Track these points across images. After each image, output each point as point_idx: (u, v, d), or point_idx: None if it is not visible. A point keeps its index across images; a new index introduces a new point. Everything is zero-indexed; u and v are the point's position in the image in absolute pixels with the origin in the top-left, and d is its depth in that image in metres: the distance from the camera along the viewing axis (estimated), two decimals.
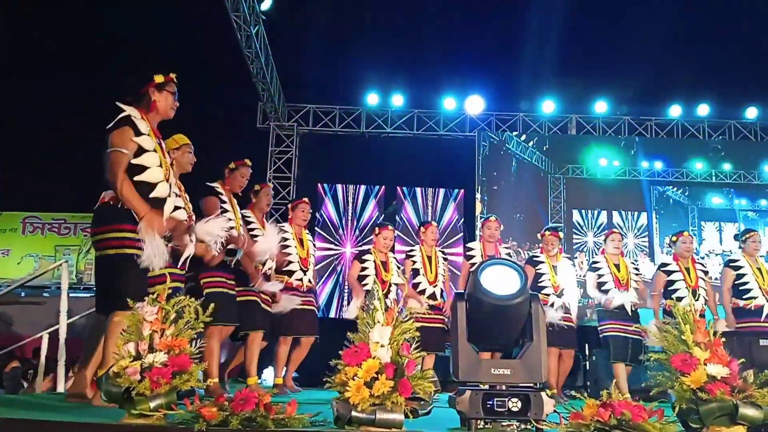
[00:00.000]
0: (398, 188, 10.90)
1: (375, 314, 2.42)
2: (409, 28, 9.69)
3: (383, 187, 10.91)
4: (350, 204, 10.80)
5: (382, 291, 5.15)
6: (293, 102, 11.04)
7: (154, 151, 3.18)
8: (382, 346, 2.33)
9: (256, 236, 4.65)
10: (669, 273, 5.53)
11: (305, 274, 5.20)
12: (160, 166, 3.20)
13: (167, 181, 3.23)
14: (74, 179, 10.23)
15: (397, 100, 10.89)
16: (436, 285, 5.61)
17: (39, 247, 11.41)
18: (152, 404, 2.15)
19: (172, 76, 3.33)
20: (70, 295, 4.87)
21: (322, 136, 11.19)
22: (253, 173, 4.69)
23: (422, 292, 5.58)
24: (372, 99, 10.91)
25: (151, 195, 3.13)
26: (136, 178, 3.10)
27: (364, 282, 5.43)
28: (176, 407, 2.15)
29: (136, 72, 3.33)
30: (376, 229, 5.77)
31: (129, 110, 3.16)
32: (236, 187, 4.54)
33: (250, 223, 4.72)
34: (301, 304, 5.07)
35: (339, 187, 10.87)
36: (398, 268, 5.71)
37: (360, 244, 10.41)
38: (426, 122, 11.07)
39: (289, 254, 5.13)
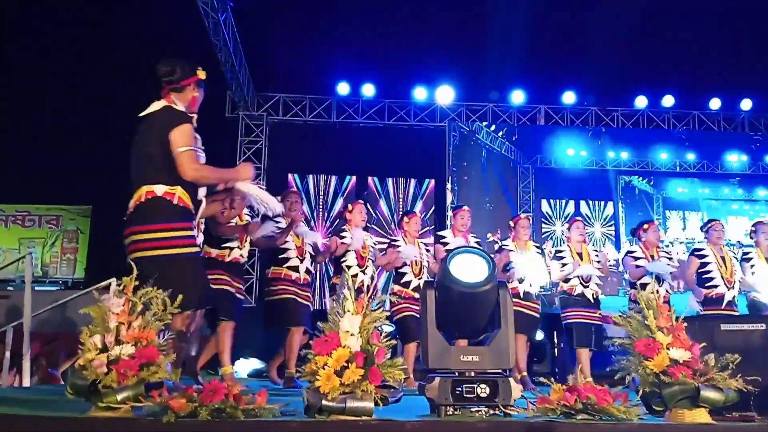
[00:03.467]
0: (369, 178, 10.89)
1: (345, 303, 2.43)
2: (379, 17, 9.63)
3: (354, 177, 10.89)
4: (321, 194, 10.76)
5: (361, 267, 5.20)
6: (263, 91, 10.92)
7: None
8: (352, 335, 2.34)
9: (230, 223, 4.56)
10: (636, 258, 5.68)
11: (301, 263, 5.10)
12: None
13: None
14: (38, 171, 10.02)
15: (368, 89, 10.86)
16: (421, 277, 5.61)
17: (2, 240, 11.15)
18: (119, 396, 2.13)
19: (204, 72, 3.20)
20: (35, 288, 4.77)
21: (292, 125, 11.10)
22: (222, 163, 4.60)
23: (407, 284, 5.57)
24: (342, 89, 10.87)
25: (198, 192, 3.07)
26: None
27: (343, 258, 5.36)
28: (144, 399, 2.14)
29: (113, 62, 3.18)
30: (349, 206, 5.73)
31: (179, 105, 3.04)
32: None
33: None
34: (299, 296, 5.03)
35: (310, 177, 10.82)
36: (374, 246, 5.67)
37: (331, 234, 10.38)
38: (397, 112, 11.07)
39: (285, 241, 5.04)
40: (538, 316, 5.67)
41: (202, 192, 3.11)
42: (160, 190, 2.86)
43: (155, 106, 3.00)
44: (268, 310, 5.03)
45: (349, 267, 5.31)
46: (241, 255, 4.68)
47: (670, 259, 5.85)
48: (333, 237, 5.56)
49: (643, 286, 5.40)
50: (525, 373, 5.44)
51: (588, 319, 5.52)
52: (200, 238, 4.21)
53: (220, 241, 4.55)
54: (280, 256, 5.04)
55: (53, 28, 9.18)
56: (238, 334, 5.09)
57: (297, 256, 5.08)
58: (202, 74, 3.14)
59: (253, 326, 6.02)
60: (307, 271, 5.17)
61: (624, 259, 5.86)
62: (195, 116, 3.11)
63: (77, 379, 2.20)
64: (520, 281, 5.49)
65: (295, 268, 5.06)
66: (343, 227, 5.64)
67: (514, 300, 5.33)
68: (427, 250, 5.86)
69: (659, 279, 5.52)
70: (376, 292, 5.61)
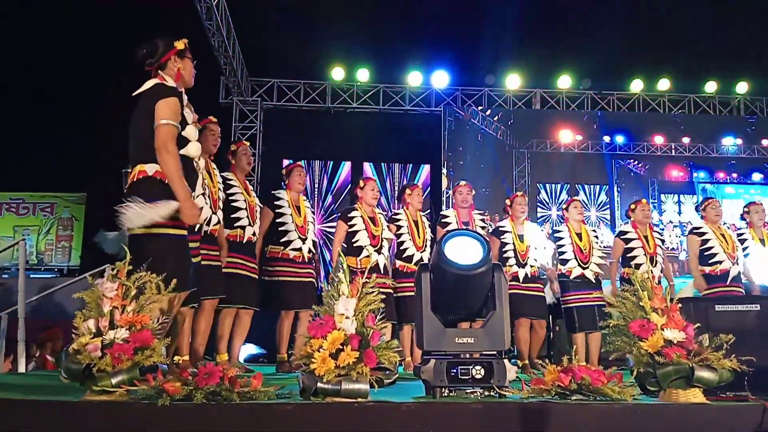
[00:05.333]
0: (364, 164, 10.85)
1: (340, 286, 2.43)
2: (374, 2, 9.56)
3: (349, 162, 10.85)
4: (316, 180, 10.74)
5: (375, 246, 5.09)
6: (257, 76, 10.86)
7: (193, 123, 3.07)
8: (347, 317, 2.34)
9: (236, 200, 4.44)
10: (628, 241, 5.63)
11: (304, 243, 4.84)
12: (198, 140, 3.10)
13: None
14: (32, 158, 9.96)
15: (363, 74, 10.80)
16: (424, 250, 5.32)
17: None
18: (114, 380, 2.13)
19: (186, 41, 3.14)
20: (31, 276, 4.75)
21: (286, 111, 11.04)
22: (219, 148, 4.51)
23: (409, 258, 5.29)
24: (337, 74, 10.79)
25: (195, 168, 3.05)
26: (181, 152, 2.94)
27: (354, 239, 5.07)
28: (139, 383, 2.13)
29: (103, 48, 3.14)
30: (361, 182, 5.40)
31: (169, 80, 3.00)
32: (210, 148, 4.24)
33: (231, 186, 4.48)
34: (298, 276, 4.82)
35: (304, 163, 10.77)
36: (387, 223, 5.39)
37: (327, 220, 10.38)
38: (392, 97, 11.01)
39: (285, 223, 4.83)
40: (544, 296, 5.57)
41: (201, 164, 3.10)
42: (151, 169, 2.85)
43: (147, 84, 2.99)
44: (263, 291, 4.75)
45: (362, 247, 5.04)
46: (254, 233, 4.53)
47: (662, 241, 5.85)
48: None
49: (638, 266, 5.41)
50: (526, 361, 5.34)
51: (590, 302, 5.39)
52: (215, 218, 4.10)
53: (232, 220, 4.39)
54: (281, 237, 4.81)
55: (46, 16, 9.09)
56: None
57: (299, 236, 4.84)
58: (179, 44, 3.09)
59: None
60: (309, 251, 4.92)
61: (615, 239, 5.85)
62: (185, 97, 3.08)
63: (71, 363, 2.19)
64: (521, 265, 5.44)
65: (297, 249, 4.82)
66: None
67: (521, 284, 5.33)
68: (430, 226, 5.61)
69: (652, 260, 5.52)
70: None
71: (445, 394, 2.48)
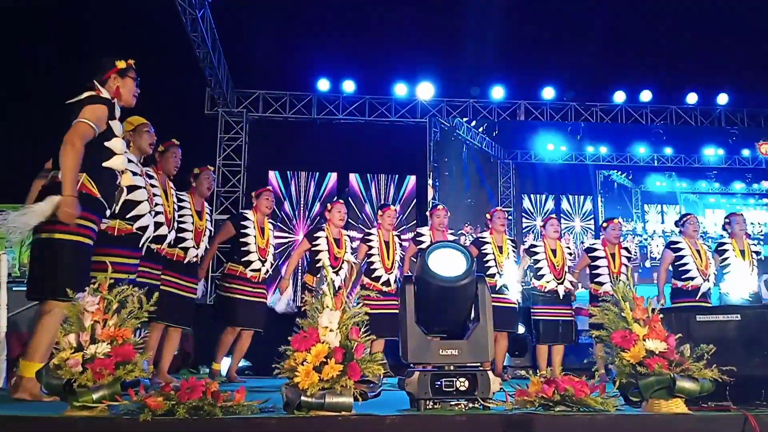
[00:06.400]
0: (350, 175, 10.86)
1: (324, 299, 2.42)
2: (359, 13, 9.62)
3: (335, 174, 10.86)
4: (302, 192, 10.72)
5: (334, 268, 5.18)
6: (242, 88, 10.84)
7: (123, 138, 3.15)
8: (331, 330, 2.33)
9: (184, 222, 4.53)
10: (594, 258, 5.84)
11: (263, 265, 5.09)
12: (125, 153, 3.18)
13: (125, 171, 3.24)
14: (13, 169, 9.83)
15: (348, 86, 10.83)
16: (392, 272, 5.59)
17: None
18: (95, 396, 2.11)
19: (132, 61, 3.21)
20: (13, 288, 4.69)
21: (272, 122, 11.05)
22: (202, 160, 4.60)
23: (377, 278, 5.54)
24: (323, 85, 10.82)
25: (117, 182, 3.11)
26: (104, 164, 3.01)
27: (317, 257, 5.34)
28: (120, 398, 2.11)
29: (89, 58, 3.18)
30: (329, 205, 5.67)
31: (105, 92, 3.08)
32: (170, 169, 4.39)
33: (183, 207, 4.56)
34: (251, 295, 5.03)
35: (291, 174, 10.77)
36: (352, 246, 5.68)
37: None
38: (378, 108, 11.05)
39: (248, 243, 5.04)
40: (515, 307, 5.73)
41: (126, 180, 3.13)
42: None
43: (83, 94, 3.04)
44: (215, 304, 5.10)
45: (322, 267, 5.25)
46: (196, 255, 4.64)
47: (629, 258, 5.98)
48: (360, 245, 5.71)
49: (600, 285, 5.66)
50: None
51: (554, 316, 5.62)
52: (171, 235, 4.26)
53: (178, 240, 4.48)
54: (242, 256, 5.02)
55: (24, 25, 9.03)
56: (214, 333, 5.13)
57: (259, 258, 5.06)
58: (120, 64, 3.17)
59: None
60: (267, 272, 5.16)
61: (582, 252, 6.03)
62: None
63: (52, 378, 2.17)
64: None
65: (256, 270, 5.04)
66: (321, 226, 5.62)
67: (493, 295, 5.45)
68: (401, 245, 5.84)
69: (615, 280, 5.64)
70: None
71: (430, 407, 2.48)
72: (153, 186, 3.99)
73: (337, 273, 5.29)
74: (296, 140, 11.00)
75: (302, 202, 10.66)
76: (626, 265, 5.86)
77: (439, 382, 2.47)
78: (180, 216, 4.50)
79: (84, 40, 8.81)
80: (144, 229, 3.67)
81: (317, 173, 10.82)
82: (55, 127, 3.01)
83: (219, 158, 10.58)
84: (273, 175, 10.69)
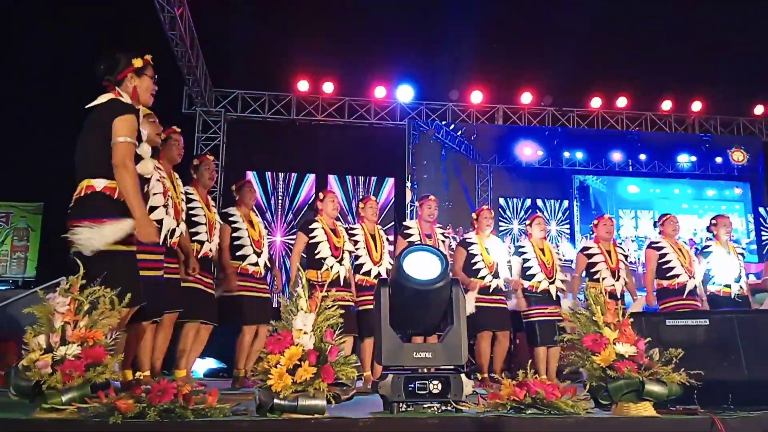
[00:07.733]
0: (329, 176, 10.84)
1: (298, 301, 2.42)
2: (339, 15, 9.60)
3: (314, 175, 10.83)
4: (280, 192, 10.68)
5: (337, 258, 5.05)
6: (220, 87, 10.76)
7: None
8: (305, 333, 2.33)
9: (196, 215, 4.38)
10: (590, 256, 5.76)
11: (259, 257, 4.89)
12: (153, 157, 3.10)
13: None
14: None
15: (328, 87, 10.81)
16: (381, 264, 5.30)
17: None
18: (64, 398, 2.09)
19: (149, 58, 3.10)
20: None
21: (250, 122, 10.98)
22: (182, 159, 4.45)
23: (367, 273, 5.25)
24: (302, 86, 10.79)
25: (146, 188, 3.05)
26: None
27: (316, 251, 5.03)
28: (90, 400, 2.09)
29: (100, 55, 3.06)
30: (321, 194, 5.35)
31: (125, 97, 2.97)
32: (174, 157, 4.22)
33: (192, 200, 4.41)
34: (257, 291, 4.86)
35: (269, 174, 10.72)
36: (349, 235, 5.32)
37: (290, 233, 10.32)
38: (357, 110, 11.05)
39: (240, 237, 4.85)
40: (507, 307, 5.61)
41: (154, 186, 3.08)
42: (99, 184, 2.81)
43: (102, 98, 2.95)
44: (220, 307, 4.68)
45: (323, 259, 5.01)
46: (210, 249, 4.47)
47: (626, 257, 5.98)
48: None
49: (599, 281, 5.55)
50: (486, 375, 5.30)
51: (551, 317, 5.45)
52: (178, 230, 4.01)
53: (191, 234, 4.30)
54: (236, 251, 4.83)
55: (2, 22, 8.89)
56: (213, 335, 4.79)
57: (254, 251, 4.88)
58: (137, 62, 3.05)
59: None
60: (264, 265, 4.97)
61: (578, 254, 5.97)
62: (142, 109, 3.05)
63: (20, 380, 2.14)
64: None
65: (254, 263, 4.85)
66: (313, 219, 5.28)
67: (485, 297, 5.36)
68: (387, 239, 5.59)
69: (615, 275, 5.64)
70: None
71: (403, 409, 2.49)
72: (163, 178, 3.86)
73: (340, 263, 5.06)
74: (275, 141, 10.94)
75: (280, 203, 10.62)
76: (623, 261, 5.79)
77: (412, 385, 2.48)
78: (191, 209, 4.34)
79: (60, 37, 8.69)
80: (160, 222, 3.58)
81: (295, 174, 10.77)
82: (55, 128, 2.93)
83: (196, 158, 10.46)
84: (251, 176, 10.61)
